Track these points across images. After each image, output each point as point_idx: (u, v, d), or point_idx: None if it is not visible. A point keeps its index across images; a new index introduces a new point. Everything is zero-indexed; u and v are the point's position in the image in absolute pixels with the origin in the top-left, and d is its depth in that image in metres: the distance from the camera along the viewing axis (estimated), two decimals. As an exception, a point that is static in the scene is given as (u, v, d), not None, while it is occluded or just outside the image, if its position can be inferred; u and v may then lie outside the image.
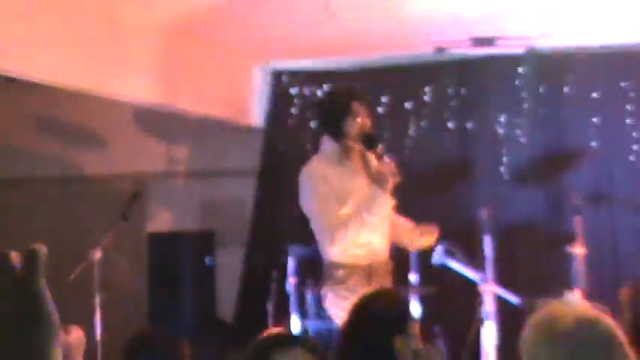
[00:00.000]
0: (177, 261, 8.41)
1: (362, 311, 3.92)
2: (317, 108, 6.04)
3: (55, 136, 9.18)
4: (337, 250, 5.53)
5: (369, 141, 5.52)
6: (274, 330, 6.30)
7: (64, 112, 8.79)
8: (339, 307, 5.20)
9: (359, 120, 5.51)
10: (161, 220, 9.10)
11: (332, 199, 5.44)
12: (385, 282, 5.54)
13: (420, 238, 5.83)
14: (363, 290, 4.96)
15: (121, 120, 8.83)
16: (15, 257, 1.17)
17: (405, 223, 5.90)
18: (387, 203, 5.50)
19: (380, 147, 5.53)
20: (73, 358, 6.22)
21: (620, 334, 2.39)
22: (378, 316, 3.85)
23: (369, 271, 5.48)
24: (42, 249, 1.19)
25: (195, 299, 8.40)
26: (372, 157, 5.65)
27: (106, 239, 7.07)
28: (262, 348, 2.97)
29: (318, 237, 5.67)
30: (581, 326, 2.34)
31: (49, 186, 9.14)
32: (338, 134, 5.57)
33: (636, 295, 3.93)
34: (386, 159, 5.45)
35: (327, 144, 5.68)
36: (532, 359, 2.39)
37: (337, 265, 5.56)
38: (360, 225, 5.40)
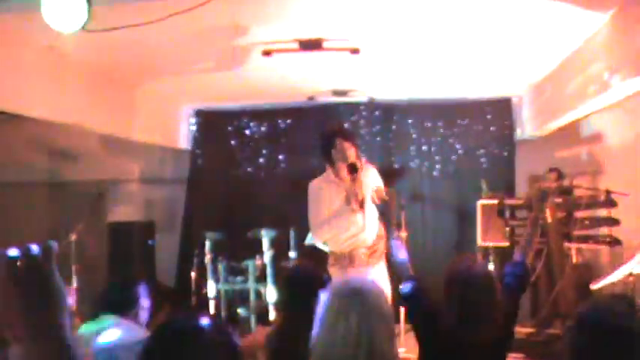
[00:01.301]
0: (129, 242, 8.67)
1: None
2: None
3: (42, 153, 9.25)
4: (319, 243, 5.73)
5: (350, 167, 5.54)
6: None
7: (49, 137, 8.82)
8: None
9: (341, 151, 5.55)
10: (118, 214, 9.29)
11: (320, 206, 5.61)
12: (364, 264, 5.56)
13: None
14: (347, 270, 5.45)
15: (90, 143, 9.01)
16: (35, 249, 1.22)
17: None
18: (350, 215, 5.54)
19: (359, 173, 5.52)
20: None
21: (387, 305, 2.43)
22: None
23: (350, 257, 5.57)
24: (54, 244, 1.24)
25: (142, 269, 8.46)
26: (365, 176, 5.63)
27: (79, 226, 7.51)
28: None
29: None
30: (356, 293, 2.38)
31: (39, 189, 9.25)
32: (329, 161, 5.68)
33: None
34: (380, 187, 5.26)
35: (328, 168, 5.75)
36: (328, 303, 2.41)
37: (330, 253, 5.72)
38: (329, 230, 5.53)
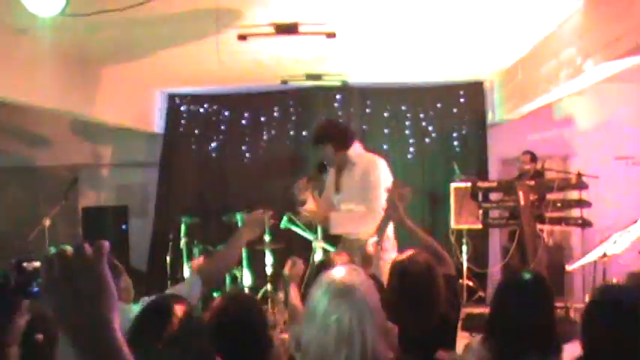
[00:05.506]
0: (102, 227, 8.66)
1: None
2: None
3: (15, 138, 9.30)
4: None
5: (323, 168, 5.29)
6: None
7: (22, 122, 8.89)
8: None
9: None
10: (91, 198, 9.36)
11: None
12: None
13: None
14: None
15: (63, 128, 9.10)
16: (87, 248, 1.20)
17: None
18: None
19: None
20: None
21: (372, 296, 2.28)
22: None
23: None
24: (105, 243, 1.22)
25: (115, 254, 8.63)
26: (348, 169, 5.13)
27: (53, 211, 7.51)
28: None
29: None
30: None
31: (12, 174, 9.23)
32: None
33: None
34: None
35: None
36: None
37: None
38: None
